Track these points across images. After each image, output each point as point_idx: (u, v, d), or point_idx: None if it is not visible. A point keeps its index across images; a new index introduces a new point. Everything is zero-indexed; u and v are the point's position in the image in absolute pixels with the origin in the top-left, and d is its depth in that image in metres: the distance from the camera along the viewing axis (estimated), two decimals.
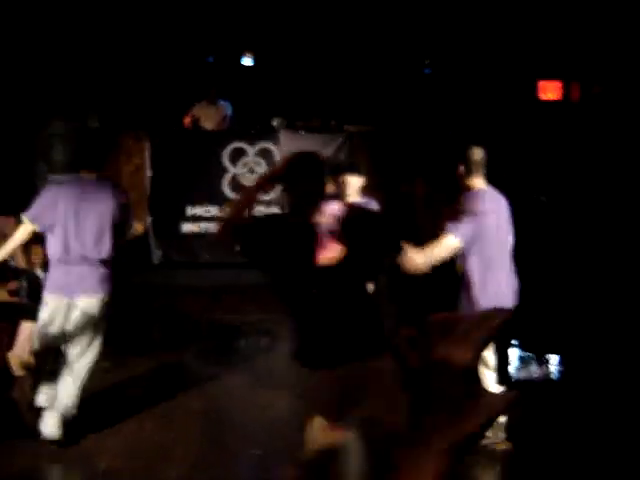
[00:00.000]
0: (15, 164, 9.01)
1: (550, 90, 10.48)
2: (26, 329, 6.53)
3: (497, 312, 0.78)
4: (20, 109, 8.95)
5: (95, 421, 5.31)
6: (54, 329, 4.87)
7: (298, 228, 1.59)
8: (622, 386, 5.76)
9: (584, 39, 9.74)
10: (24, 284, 6.96)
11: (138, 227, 5.77)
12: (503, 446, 4.68)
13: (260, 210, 10.26)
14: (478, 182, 4.95)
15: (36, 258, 7.64)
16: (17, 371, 6.45)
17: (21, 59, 8.77)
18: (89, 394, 6.05)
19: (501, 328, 0.83)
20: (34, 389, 5.12)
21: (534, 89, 10.35)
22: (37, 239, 8.06)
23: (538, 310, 6.83)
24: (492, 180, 10.16)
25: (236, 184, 10.47)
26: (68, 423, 4.82)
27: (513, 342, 1.29)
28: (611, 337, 7.00)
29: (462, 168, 5.00)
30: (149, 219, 10.47)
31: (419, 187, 10.51)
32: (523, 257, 9.42)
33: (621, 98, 9.80)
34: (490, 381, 4.37)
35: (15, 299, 6.81)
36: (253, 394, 5.74)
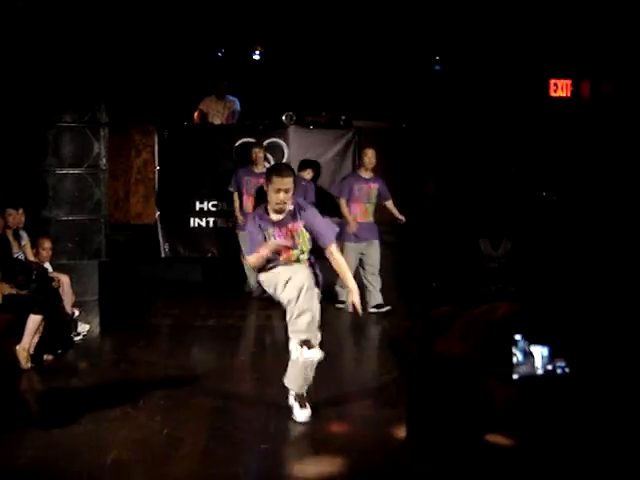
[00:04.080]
0: (24, 158, 9.01)
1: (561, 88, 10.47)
2: (33, 322, 6.53)
3: (499, 306, 0.77)
4: (29, 103, 8.95)
5: (105, 412, 5.31)
6: None
7: None
8: (629, 384, 5.73)
9: (595, 38, 9.70)
10: (33, 277, 6.97)
11: None
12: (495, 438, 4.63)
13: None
14: (364, 171, 8.82)
15: (44, 251, 7.65)
16: (24, 364, 6.46)
17: (29, 52, 8.77)
18: (99, 385, 6.07)
19: (504, 322, 0.82)
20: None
21: (545, 87, 10.32)
22: (45, 232, 8.10)
23: (544, 305, 6.83)
24: (503, 175, 10.08)
25: None
26: None
27: (517, 337, 1.31)
28: (618, 333, 6.98)
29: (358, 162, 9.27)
30: (157, 213, 10.48)
31: (430, 187, 10.49)
32: (534, 253, 9.40)
33: (631, 96, 9.76)
34: None
35: (23, 292, 6.81)
36: (262, 389, 5.74)
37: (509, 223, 9.91)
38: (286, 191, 4.91)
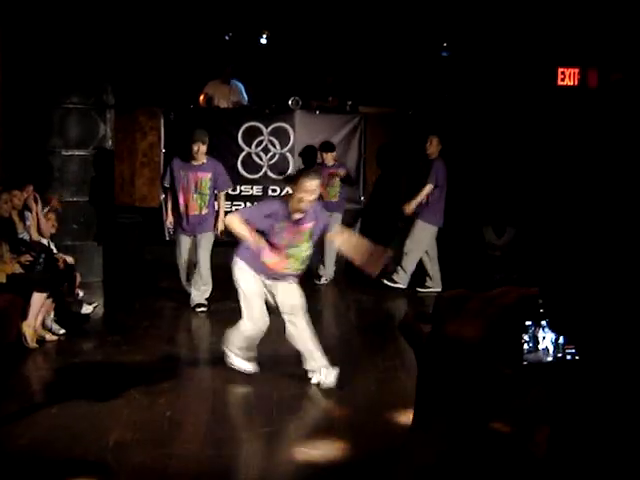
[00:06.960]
0: (30, 139, 9.02)
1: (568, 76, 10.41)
2: (38, 300, 6.57)
3: (513, 290, 0.77)
4: (35, 83, 8.94)
5: (107, 395, 5.34)
6: None
7: None
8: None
9: (603, 26, 9.65)
10: (40, 260, 6.97)
11: None
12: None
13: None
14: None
15: (52, 226, 7.65)
16: (30, 342, 6.49)
17: (37, 34, 8.75)
18: (102, 367, 6.10)
19: (517, 306, 0.82)
20: None
21: (553, 75, 10.27)
22: (51, 207, 8.09)
23: (554, 291, 6.80)
24: (508, 164, 10.03)
25: (250, 163, 10.45)
26: None
27: (528, 322, 1.30)
28: (629, 324, 6.98)
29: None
30: (162, 196, 10.47)
31: None
32: (538, 242, 9.38)
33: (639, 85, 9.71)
34: None
35: (24, 271, 6.82)
36: (264, 373, 5.76)
37: (513, 211, 9.89)
38: (313, 193, 5.20)
